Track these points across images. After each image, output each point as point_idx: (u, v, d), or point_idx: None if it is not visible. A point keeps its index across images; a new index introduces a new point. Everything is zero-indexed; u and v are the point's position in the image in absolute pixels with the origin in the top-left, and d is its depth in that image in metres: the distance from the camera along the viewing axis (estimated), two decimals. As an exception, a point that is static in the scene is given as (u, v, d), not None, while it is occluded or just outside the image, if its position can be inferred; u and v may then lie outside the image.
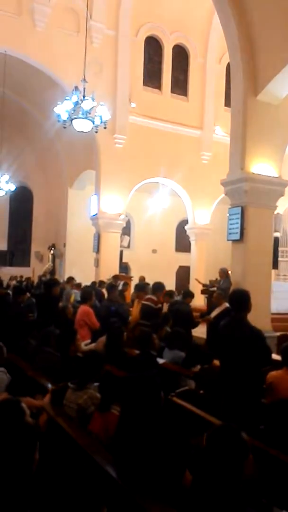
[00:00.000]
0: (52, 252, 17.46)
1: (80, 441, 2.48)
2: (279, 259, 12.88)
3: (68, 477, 2.52)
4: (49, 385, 3.44)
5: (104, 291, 8.99)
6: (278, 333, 7.01)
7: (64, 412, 2.93)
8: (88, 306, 6.36)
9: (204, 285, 10.53)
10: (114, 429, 2.31)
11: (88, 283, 12.23)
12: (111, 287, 7.77)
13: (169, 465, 2.04)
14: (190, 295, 7.12)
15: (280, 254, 13.39)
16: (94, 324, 6.10)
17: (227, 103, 13.26)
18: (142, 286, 7.82)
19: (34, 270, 17.65)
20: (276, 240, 9.84)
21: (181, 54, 14.20)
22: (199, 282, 11.10)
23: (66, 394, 3.05)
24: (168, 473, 2.01)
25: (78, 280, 13.65)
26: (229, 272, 8.18)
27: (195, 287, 12.92)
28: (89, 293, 6.66)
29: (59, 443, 2.71)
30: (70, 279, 11.47)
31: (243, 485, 1.57)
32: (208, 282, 10.53)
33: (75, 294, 9.81)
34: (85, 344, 5.46)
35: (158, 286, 7.27)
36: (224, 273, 8.24)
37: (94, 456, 2.27)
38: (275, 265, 10.19)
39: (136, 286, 8.00)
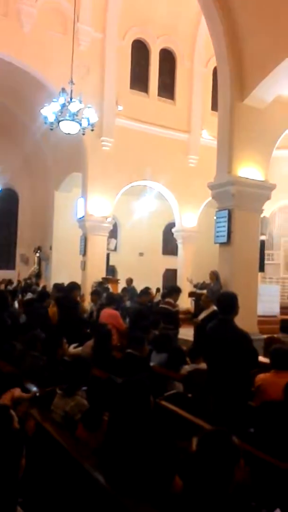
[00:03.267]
0: (38, 254, 17.29)
1: (67, 446, 2.45)
2: (265, 262, 12.97)
3: (56, 483, 2.48)
4: (34, 389, 3.39)
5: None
6: (264, 336, 7.03)
7: (51, 417, 2.89)
8: (112, 308, 6.51)
9: (195, 286, 10.51)
10: (102, 435, 2.28)
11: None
12: (144, 292, 7.75)
13: (158, 470, 2.01)
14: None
15: (266, 257, 13.49)
16: (121, 325, 6.15)
17: (214, 107, 13.35)
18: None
19: (20, 273, 17.45)
20: (262, 243, 9.90)
21: (168, 58, 14.24)
22: (191, 282, 11.02)
23: (54, 399, 3.01)
24: (158, 478, 1.99)
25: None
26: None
27: (184, 290, 12.94)
28: (113, 297, 7.00)
29: (46, 449, 2.67)
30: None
31: (234, 490, 1.56)
32: (198, 283, 10.46)
33: None
34: (73, 347, 5.41)
35: (174, 289, 7.32)
36: (215, 275, 8.26)
37: (82, 461, 2.24)
38: (262, 268, 10.26)
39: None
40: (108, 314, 6.30)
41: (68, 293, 6.53)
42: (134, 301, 8.47)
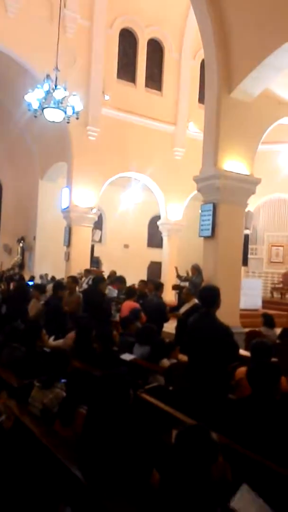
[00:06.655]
0: (21, 245, 17.08)
1: (44, 440, 2.41)
2: (249, 256, 13.07)
3: (32, 477, 2.44)
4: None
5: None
6: (246, 329, 7.10)
7: (29, 410, 2.84)
8: (132, 301, 6.66)
9: (178, 275, 10.49)
10: (80, 428, 2.25)
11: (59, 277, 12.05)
12: (159, 285, 7.80)
13: (137, 464, 1.99)
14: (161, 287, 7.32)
15: (249, 251, 13.59)
16: (142, 318, 6.20)
17: (201, 99, 13.29)
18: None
19: (2, 263, 17.23)
20: (246, 238, 9.95)
21: (156, 48, 14.09)
22: (177, 270, 10.95)
23: (32, 392, 2.96)
24: (136, 472, 1.96)
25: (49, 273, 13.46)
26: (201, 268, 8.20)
27: (167, 283, 12.96)
28: (133, 290, 7.21)
29: (24, 442, 2.62)
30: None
31: (212, 487, 1.54)
32: (184, 274, 10.43)
33: (110, 291, 9.46)
34: (53, 339, 5.36)
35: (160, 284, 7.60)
36: (196, 269, 8.27)
37: (59, 456, 2.21)
38: (245, 262, 10.32)
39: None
40: (130, 306, 6.43)
41: (95, 286, 6.70)
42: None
